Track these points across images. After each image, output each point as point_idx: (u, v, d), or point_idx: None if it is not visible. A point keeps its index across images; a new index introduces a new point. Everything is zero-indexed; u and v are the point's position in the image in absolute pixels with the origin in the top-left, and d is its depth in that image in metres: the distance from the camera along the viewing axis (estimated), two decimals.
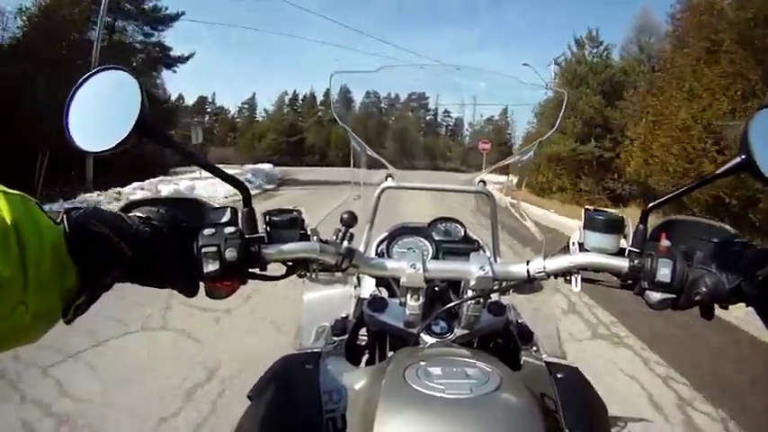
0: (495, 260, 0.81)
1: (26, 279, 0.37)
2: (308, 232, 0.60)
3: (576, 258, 0.61)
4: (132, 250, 0.47)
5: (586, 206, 0.64)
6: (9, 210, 0.37)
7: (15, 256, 0.36)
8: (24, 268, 0.37)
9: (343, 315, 0.80)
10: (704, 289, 0.55)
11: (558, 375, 0.63)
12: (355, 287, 0.95)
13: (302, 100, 54.15)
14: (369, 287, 0.87)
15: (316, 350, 0.67)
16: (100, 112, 0.52)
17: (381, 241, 0.93)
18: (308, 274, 0.60)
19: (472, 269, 0.62)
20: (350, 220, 0.63)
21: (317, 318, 0.89)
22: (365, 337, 0.79)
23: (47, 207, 0.43)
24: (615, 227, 0.60)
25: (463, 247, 0.88)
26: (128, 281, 0.50)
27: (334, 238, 0.61)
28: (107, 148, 0.49)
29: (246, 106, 54.02)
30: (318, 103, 53.23)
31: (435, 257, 0.87)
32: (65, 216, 0.43)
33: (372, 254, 0.89)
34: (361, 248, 0.80)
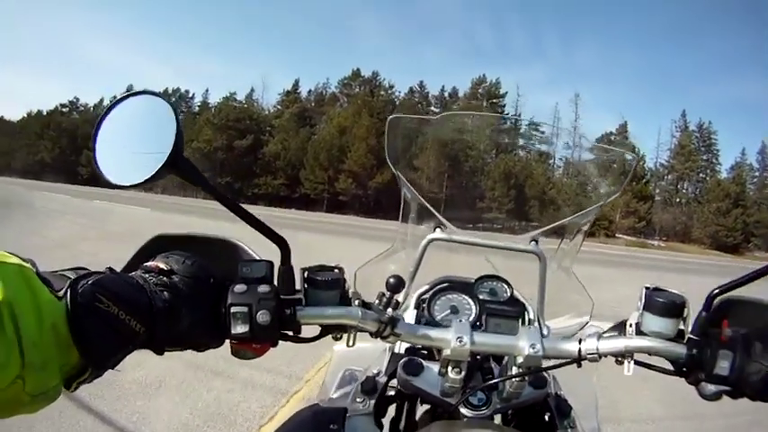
0: (541, 327, 0.77)
1: (23, 358, 0.34)
2: (350, 295, 0.57)
3: (632, 342, 0.58)
4: (146, 326, 0.43)
5: (646, 284, 0.60)
6: (2, 285, 0.34)
7: (10, 334, 0.34)
8: (20, 347, 0.34)
9: (375, 371, 0.77)
10: (759, 386, 0.53)
11: None
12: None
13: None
14: (404, 343, 0.85)
15: (343, 406, 0.65)
16: (130, 143, 0.48)
17: (422, 294, 0.91)
18: (345, 338, 0.58)
19: (521, 345, 0.58)
20: (396, 286, 0.60)
21: (345, 369, 0.86)
22: (393, 390, 0.77)
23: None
24: (675, 311, 0.57)
25: (509, 310, 0.85)
26: (141, 350, 0.46)
27: (377, 302, 0.59)
28: (136, 183, 0.46)
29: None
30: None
31: (478, 319, 0.85)
32: (68, 290, 0.39)
33: (412, 307, 0.87)
34: (400, 298, 0.80)
